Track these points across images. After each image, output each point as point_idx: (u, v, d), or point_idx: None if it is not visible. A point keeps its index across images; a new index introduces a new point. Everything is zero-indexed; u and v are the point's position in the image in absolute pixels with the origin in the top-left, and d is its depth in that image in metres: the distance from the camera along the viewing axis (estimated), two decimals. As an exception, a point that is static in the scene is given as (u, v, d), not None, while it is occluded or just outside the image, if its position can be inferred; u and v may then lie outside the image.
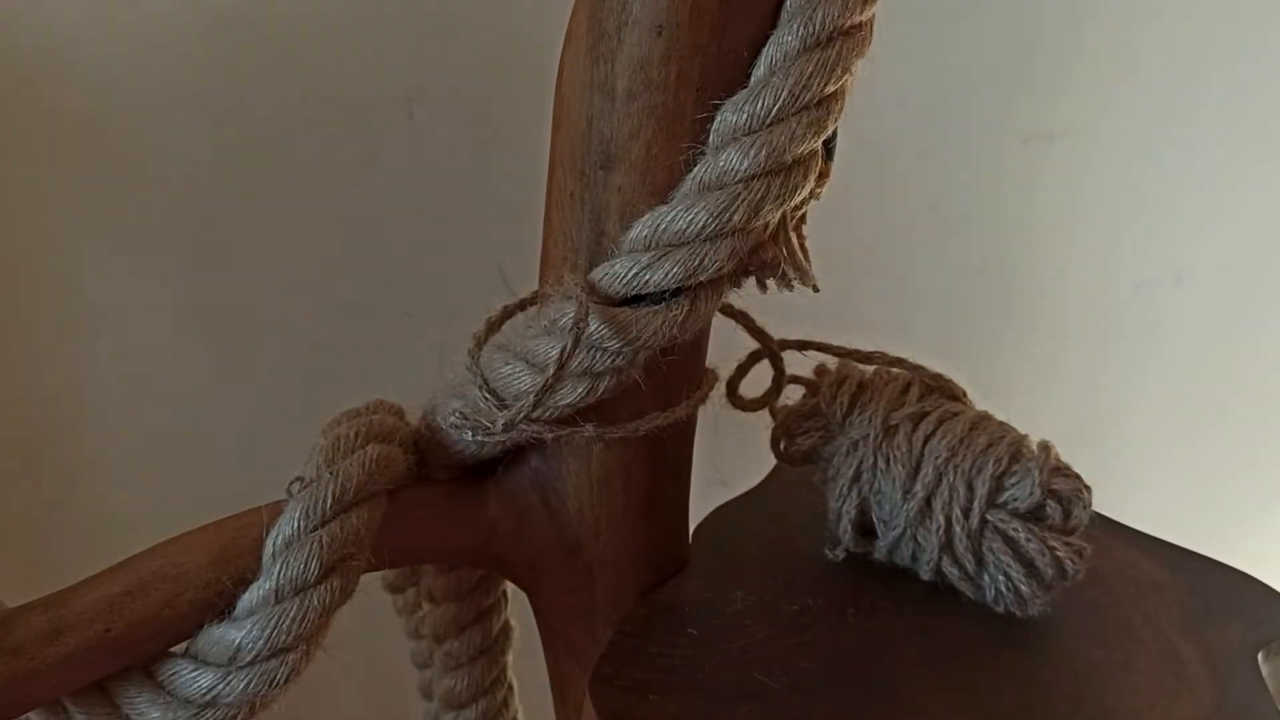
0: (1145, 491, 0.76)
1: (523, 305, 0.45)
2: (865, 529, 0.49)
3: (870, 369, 0.51)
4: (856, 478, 0.48)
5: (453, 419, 0.42)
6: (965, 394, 0.51)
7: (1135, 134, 0.71)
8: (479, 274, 0.66)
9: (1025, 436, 0.48)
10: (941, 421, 0.48)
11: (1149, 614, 0.47)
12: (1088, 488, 0.47)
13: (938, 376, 0.51)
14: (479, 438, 0.42)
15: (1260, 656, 0.45)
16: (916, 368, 0.51)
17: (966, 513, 0.46)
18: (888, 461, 0.48)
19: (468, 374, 0.42)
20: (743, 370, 0.50)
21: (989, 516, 0.47)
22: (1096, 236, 0.74)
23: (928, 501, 0.47)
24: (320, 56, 0.61)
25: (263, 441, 0.68)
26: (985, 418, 0.49)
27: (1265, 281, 0.75)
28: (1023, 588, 0.46)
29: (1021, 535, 0.46)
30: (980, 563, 0.47)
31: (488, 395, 0.41)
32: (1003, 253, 0.74)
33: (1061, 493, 0.46)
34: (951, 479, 0.47)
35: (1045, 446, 0.47)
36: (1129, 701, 0.43)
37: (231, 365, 0.67)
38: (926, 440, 0.48)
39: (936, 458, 0.47)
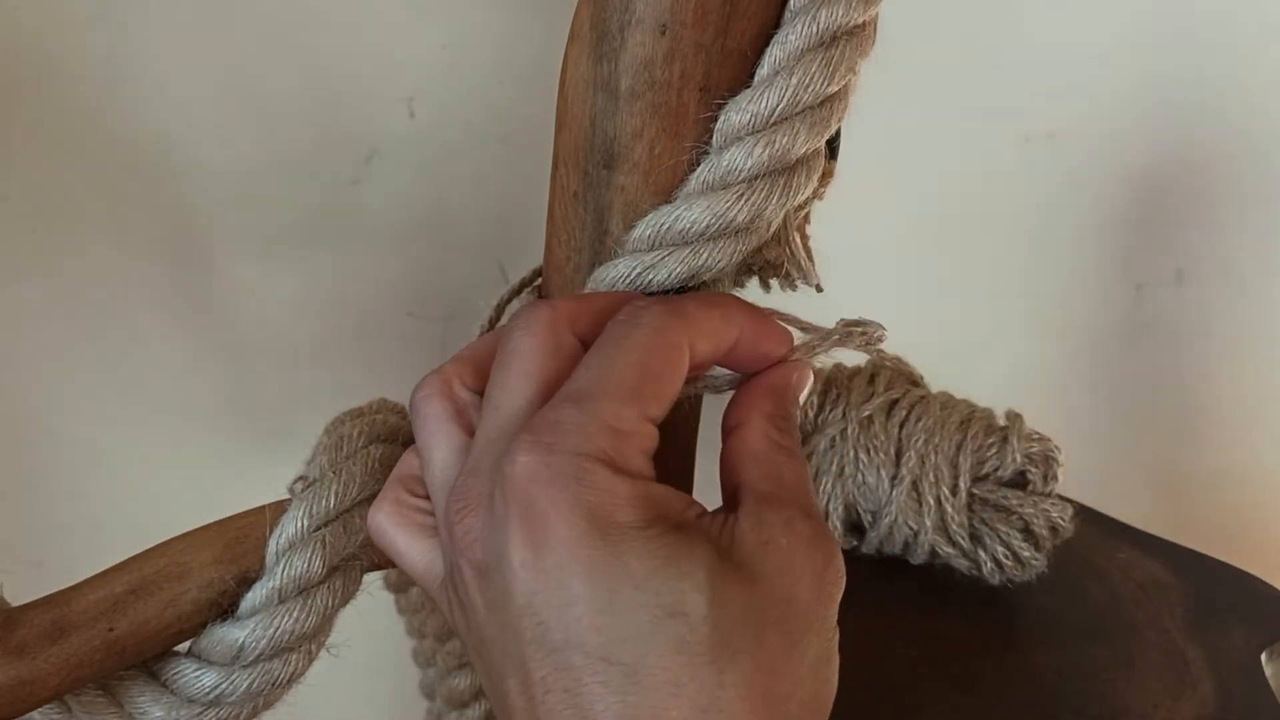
0: (1147, 491, 0.76)
1: (521, 288, 0.45)
2: (851, 524, 0.50)
3: (831, 365, 0.52)
4: (839, 473, 0.49)
5: None
6: (922, 379, 0.52)
7: (1136, 133, 0.71)
8: (480, 274, 0.66)
9: (990, 411, 0.49)
10: (913, 407, 0.49)
11: (1153, 614, 0.48)
12: (1058, 447, 0.49)
13: (897, 360, 0.52)
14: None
15: (1264, 657, 0.46)
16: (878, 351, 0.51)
17: (954, 490, 0.48)
18: (869, 453, 0.49)
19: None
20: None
21: (975, 490, 0.48)
22: (1097, 236, 0.74)
23: (915, 486, 0.48)
24: (320, 56, 0.61)
25: (264, 441, 0.68)
26: (950, 398, 0.50)
27: (1265, 281, 0.76)
28: (1023, 552, 0.47)
29: (1013, 502, 0.47)
30: (974, 537, 0.48)
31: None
32: (1003, 252, 0.74)
33: (1037, 456, 0.48)
34: (934, 460, 0.48)
35: (1014, 415, 0.49)
36: (1132, 701, 0.43)
37: (231, 364, 0.67)
38: (902, 426, 0.49)
39: (916, 442, 0.48)
